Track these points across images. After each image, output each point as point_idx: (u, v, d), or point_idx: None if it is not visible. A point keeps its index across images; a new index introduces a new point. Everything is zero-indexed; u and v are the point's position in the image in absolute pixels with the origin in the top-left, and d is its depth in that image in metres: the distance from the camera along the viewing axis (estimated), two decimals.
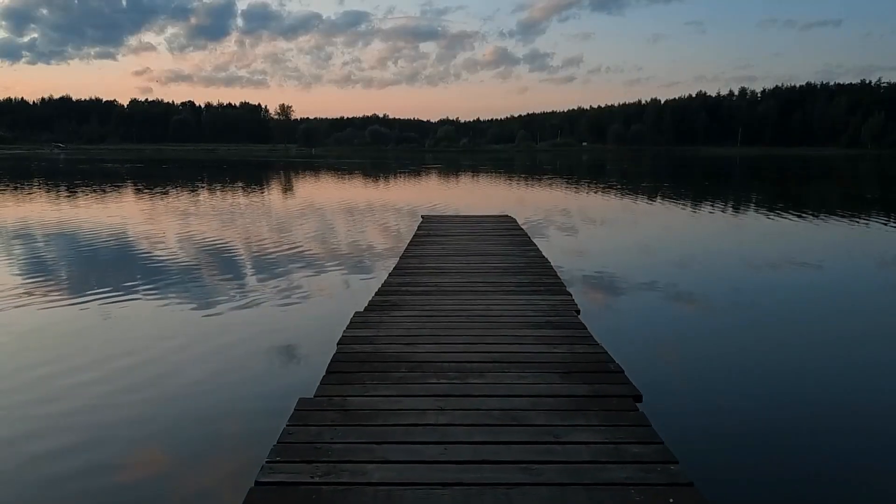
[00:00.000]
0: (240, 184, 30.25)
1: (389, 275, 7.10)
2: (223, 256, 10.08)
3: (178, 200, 20.76)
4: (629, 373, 4.09)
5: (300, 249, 10.61)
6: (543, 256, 8.33)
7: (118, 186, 27.27)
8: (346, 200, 20.63)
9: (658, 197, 23.03)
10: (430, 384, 3.84)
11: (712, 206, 19.73)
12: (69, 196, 21.86)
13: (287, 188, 28.65)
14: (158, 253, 10.47)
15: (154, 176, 36.27)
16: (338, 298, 7.27)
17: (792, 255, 10.67)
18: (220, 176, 36.87)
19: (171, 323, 6.39)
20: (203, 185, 29.22)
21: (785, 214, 16.56)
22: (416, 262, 7.85)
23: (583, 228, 14.43)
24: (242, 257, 10.03)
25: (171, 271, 8.83)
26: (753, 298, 7.55)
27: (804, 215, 16.46)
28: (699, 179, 36.20)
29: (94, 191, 24.69)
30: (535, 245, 9.30)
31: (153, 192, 24.63)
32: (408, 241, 9.81)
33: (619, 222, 15.74)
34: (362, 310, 5.60)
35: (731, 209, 18.90)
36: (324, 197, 22.65)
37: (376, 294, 6.16)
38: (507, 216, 13.42)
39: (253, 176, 37.56)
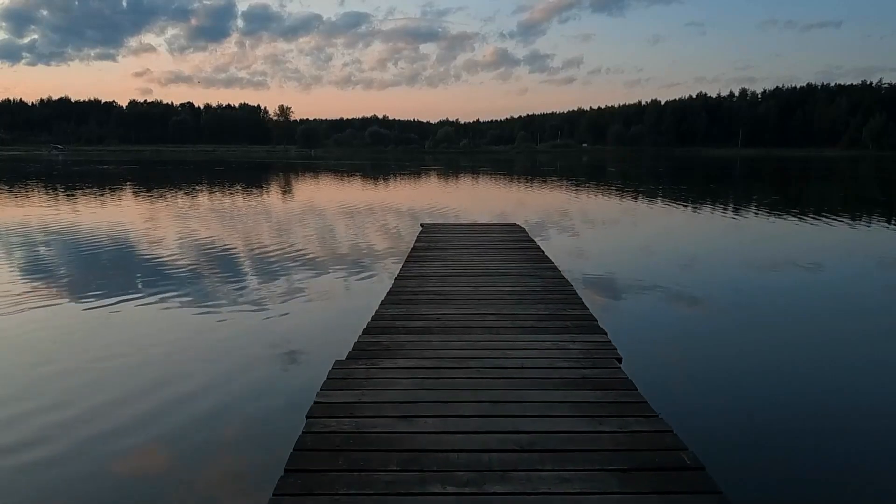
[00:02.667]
0: (236, 187, 29.02)
1: (382, 302, 5.91)
2: (186, 277, 8.88)
3: (163, 208, 19.58)
4: (712, 468, 2.91)
5: (283, 267, 9.41)
6: (563, 276, 7.14)
7: (113, 190, 26.06)
8: (340, 206, 19.41)
9: (671, 200, 21.81)
10: (434, 497, 2.65)
11: (735, 209, 18.55)
12: (64, 200, 20.62)
13: (280, 192, 27.43)
14: (125, 264, 9.31)
15: (149, 179, 35.05)
16: (317, 336, 6.03)
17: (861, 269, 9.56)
18: (216, 178, 35.66)
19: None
20: (195, 188, 27.99)
21: (819, 218, 15.43)
22: (413, 284, 6.66)
23: (599, 239, 13.20)
24: (211, 277, 8.82)
25: (134, 281, 7.65)
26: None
27: (836, 218, 15.32)
28: (707, 181, 35.02)
29: (90, 195, 23.44)
30: (552, 261, 8.10)
31: (141, 198, 23.45)
32: (404, 257, 8.63)
33: (638, 231, 14.49)
34: (345, 357, 4.41)
35: (755, 213, 17.68)
36: (317, 201, 21.42)
37: (364, 332, 4.96)
38: (514, 224, 12.24)
39: (250, 179, 36.33)
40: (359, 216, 16.28)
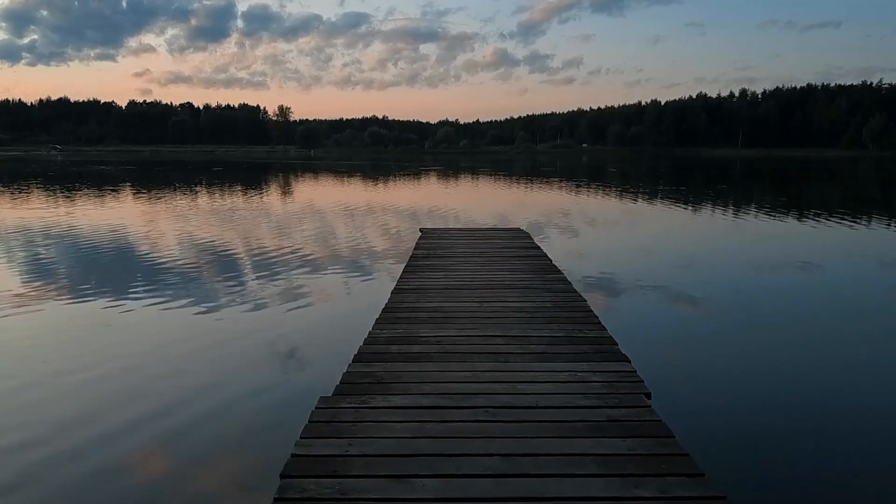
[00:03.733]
0: (232, 189, 28.44)
1: (377, 321, 5.31)
2: (161, 290, 8.30)
3: (151, 212, 19.02)
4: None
5: (269, 277, 8.82)
6: (574, 290, 6.54)
7: (107, 192, 25.47)
8: (335, 209, 18.83)
9: (678, 202, 21.23)
10: None
11: (742, 211, 17.93)
12: (60, 201, 20.02)
13: (275, 195, 26.84)
14: (98, 271, 8.73)
15: (144, 180, 34.49)
16: (303, 362, 5.39)
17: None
18: (212, 180, 35.10)
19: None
20: (188, 190, 27.41)
21: (832, 219, 14.86)
22: (411, 299, 6.07)
23: (608, 244, 12.54)
24: (189, 289, 8.24)
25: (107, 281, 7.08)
26: None
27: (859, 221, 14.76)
28: (712, 182, 34.42)
29: (85, 197, 22.85)
30: (561, 272, 7.51)
31: (132, 202, 22.87)
32: (402, 266, 8.05)
33: (647, 234, 13.81)
34: (331, 391, 3.83)
35: (767, 215, 17.06)
36: (312, 204, 20.81)
37: (355, 359, 4.36)
38: (518, 229, 11.64)
39: (248, 180, 35.76)
40: (355, 219, 15.70)
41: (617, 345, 4.68)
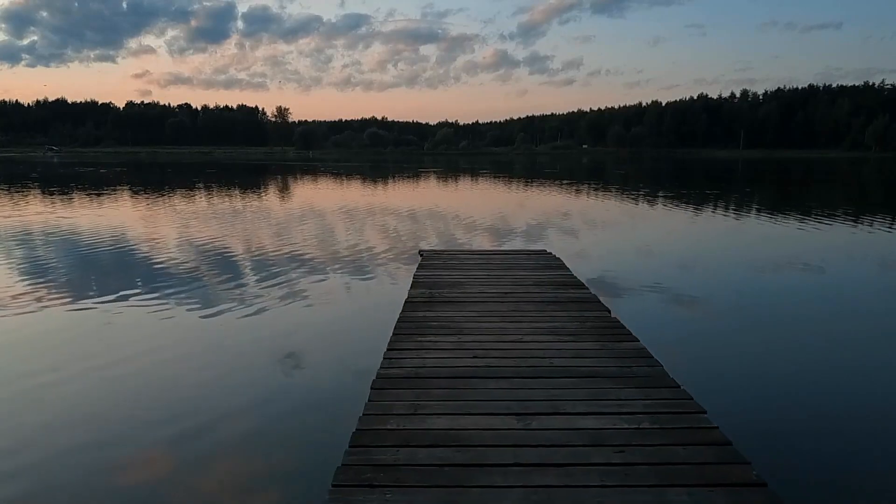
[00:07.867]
0: (219, 193, 26.16)
1: (360, 424, 3.01)
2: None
3: (108, 225, 16.74)
4: None
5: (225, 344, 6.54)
6: (663, 369, 4.21)
7: (81, 194, 23.19)
8: (322, 218, 16.49)
9: (726, 209, 18.88)
10: None
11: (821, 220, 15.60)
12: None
13: (262, 202, 24.52)
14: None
15: (128, 183, 32.21)
16: None
17: None
18: (199, 184, 32.82)
19: None
20: (167, 197, 25.11)
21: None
22: (407, 397, 3.69)
23: (671, 273, 9.07)
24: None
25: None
26: None
27: None
28: (726, 185, 32.09)
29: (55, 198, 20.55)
30: (626, 329, 5.13)
31: (94, 208, 20.55)
32: (397, 310, 5.74)
33: (728, 260, 10.52)
34: None
35: (813, 221, 14.74)
36: (300, 213, 18.46)
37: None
38: (545, 253, 9.21)
39: (239, 183, 33.45)
40: (346, 234, 13.37)
41: (734, 447, 2.38)
